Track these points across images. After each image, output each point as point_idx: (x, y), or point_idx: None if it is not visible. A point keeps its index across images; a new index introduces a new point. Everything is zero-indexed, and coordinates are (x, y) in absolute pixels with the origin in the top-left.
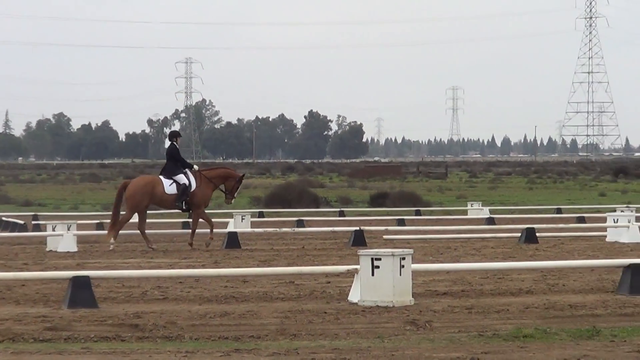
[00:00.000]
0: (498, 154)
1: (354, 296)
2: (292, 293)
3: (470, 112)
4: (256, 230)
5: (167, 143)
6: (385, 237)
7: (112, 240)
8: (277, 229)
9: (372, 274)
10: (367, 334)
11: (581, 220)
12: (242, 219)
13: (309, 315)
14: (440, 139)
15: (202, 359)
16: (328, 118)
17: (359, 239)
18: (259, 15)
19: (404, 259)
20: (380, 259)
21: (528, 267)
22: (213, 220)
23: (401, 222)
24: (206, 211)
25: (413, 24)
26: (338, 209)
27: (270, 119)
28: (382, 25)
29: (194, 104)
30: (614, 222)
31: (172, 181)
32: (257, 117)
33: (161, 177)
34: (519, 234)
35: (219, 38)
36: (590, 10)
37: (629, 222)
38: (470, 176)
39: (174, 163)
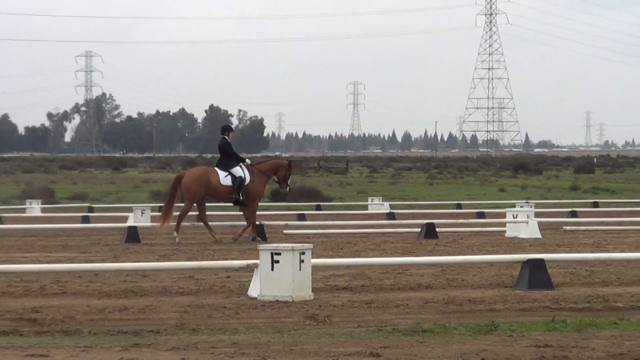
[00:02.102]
0: (399, 149)
1: (254, 291)
2: (192, 288)
3: (371, 107)
4: (156, 224)
5: (220, 137)
6: (285, 232)
7: (175, 234)
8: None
9: (272, 269)
10: (267, 328)
11: (481, 215)
12: (142, 213)
13: (209, 309)
14: (341, 134)
15: (101, 353)
16: (229, 112)
17: (260, 234)
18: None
19: (303, 253)
20: (280, 254)
21: (427, 262)
22: (112, 214)
23: (302, 217)
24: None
25: (314, 18)
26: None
27: (171, 113)
28: (284, 20)
29: (94, 97)
30: (513, 217)
31: (227, 173)
32: (157, 111)
33: (216, 168)
34: (419, 229)
35: (119, 32)
36: (491, 7)
37: (528, 217)
38: (371, 171)
39: (228, 157)
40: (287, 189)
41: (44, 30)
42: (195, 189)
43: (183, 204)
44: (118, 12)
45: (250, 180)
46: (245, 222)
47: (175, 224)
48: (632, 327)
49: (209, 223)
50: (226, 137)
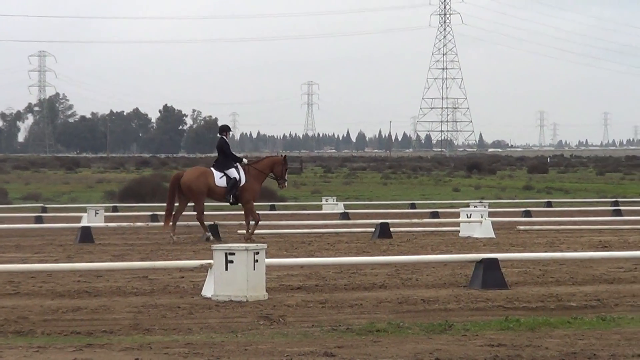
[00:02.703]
0: (353, 149)
1: (208, 291)
2: (146, 288)
3: (325, 107)
4: (110, 224)
5: (218, 137)
6: (239, 231)
7: (174, 235)
8: (131, 224)
9: (226, 269)
10: (221, 328)
11: (435, 215)
12: (96, 213)
13: (163, 310)
14: (296, 134)
15: (54, 354)
16: (183, 112)
17: (214, 234)
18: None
19: (257, 253)
20: (234, 254)
21: (382, 262)
22: (65, 214)
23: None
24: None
25: (268, 18)
26: (192, 204)
27: (125, 113)
28: (238, 20)
29: (47, 97)
30: (467, 217)
31: (222, 174)
32: (111, 111)
33: (212, 169)
34: (373, 229)
35: (73, 31)
36: (445, 7)
37: (481, 217)
38: (325, 171)
39: (225, 157)
40: (285, 184)
41: None
42: (198, 187)
43: (178, 203)
44: (71, 12)
45: (246, 180)
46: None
47: (171, 224)
48: (585, 326)
49: (177, 223)
50: (224, 137)
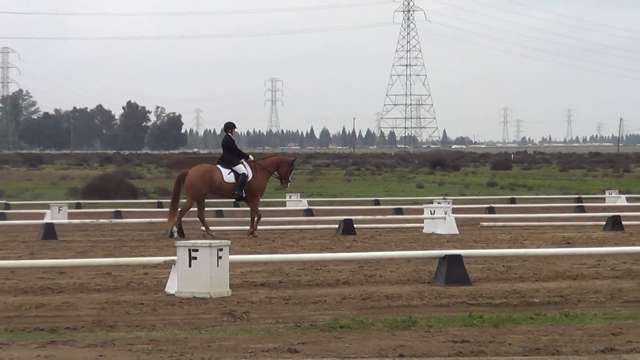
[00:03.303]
0: (317, 146)
1: (172, 287)
2: (109, 284)
3: (289, 103)
4: (73, 221)
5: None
6: (202, 228)
7: (174, 228)
8: (95, 220)
9: (190, 265)
10: (184, 325)
11: (399, 211)
12: (59, 210)
13: (126, 306)
14: (259, 131)
15: (17, 351)
16: (146, 109)
17: (178, 231)
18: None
19: (221, 250)
20: (197, 250)
21: (345, 258)
22: (28, 211)
23: (219, 214)
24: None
25: (231, 15)
26: (156, 200)
27: (88, 110)
28: (202, 16)
29: (10, 94)
30: (431, 213)
31: (230, 170)
32: (74, 107)
33: (219, 166)
34: (337, 226)
35: (36, 28)
36: (409, 4)
37: (445, 213)
38: None
39: (231, 154)
40: (288, 185)
41: None
42: (198, 186)
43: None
44: (35, 9)
45: (253, 176)
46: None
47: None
48: (548, 322)
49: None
50: (229, 134)
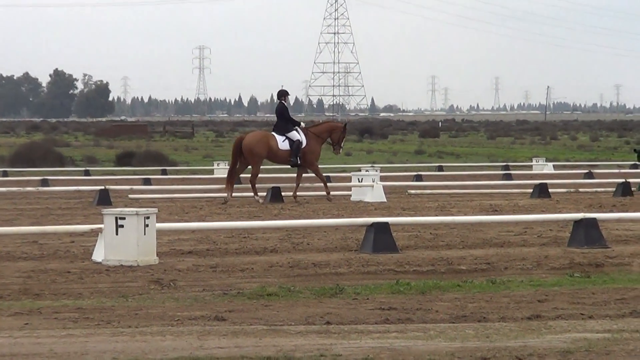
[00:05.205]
0: (245, 114)
1: (98, 255)
2: (36, 253)
3: (217, 71)
4: (0, 189)
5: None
6: (130, 196)
7: (230, 195)
8: (21, 188)
9: (117, 233)
10: (111, 293)
11: (327, 179)
12: None
13: (53, 274)
14: (187, 99)
15: None
16: (74, 77)
17: (104, 198)
18: None
19: (148, 218)
20: (124, 218)
21: (273, 226)
22: None
23: (147, 182)
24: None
25: None
26: (84, 168)
27: (15, 77)
28: None
29: None
30: (359, 181)
31: (284, 138)
32: (0, 75)
33: (274, 133)
34: (265, 194)
35: None
36: None
37: (373, 181)
38: (217, 136)
39: (284, 121)
40: (340, 151)
41: None
42: (259, 151)
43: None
44: None
45: (307, 143)
46: (294, 184)
47: (250, 188)
48: (475, 290)
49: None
50: (282, 101)
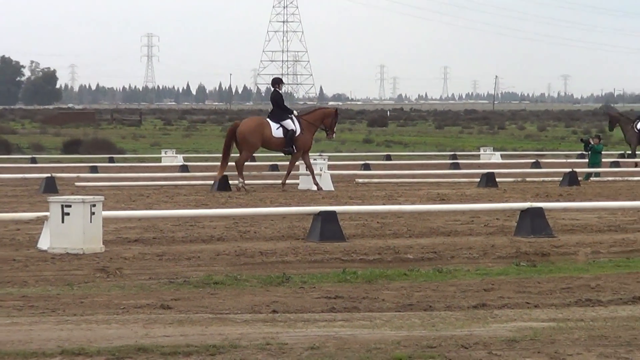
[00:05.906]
0: (193, 102)
1: (44, 243)
2: None
3: (165, 59)
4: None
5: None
6: (77, 184)
7: (244, 184)
8: None
9: (62, 221)
10: (57, 281)
11: (274, 168)
12: None
13: None
14: (135, 86)
15: None
16: (21, 64)
17: (51, 186)
18: None
19: (94, 205)
20: (70, 206)
21: (220, 214)
22: None
23: (94, 170)
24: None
25: None
26: (30, 156)
27: None
28: None
29: None
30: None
31: (279, 125)
32: None
33: (269, 120)
34: (212, 182)
35: None
36: None
37: (321, 170)
38: (165, 124)
39: (279, 109)
40: (334, 136)
41: None
42: (253, 140)
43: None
44: None
45: (300, 132)
46: (285, 172)
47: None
48: (421, 278)
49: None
50: (277, 89)
